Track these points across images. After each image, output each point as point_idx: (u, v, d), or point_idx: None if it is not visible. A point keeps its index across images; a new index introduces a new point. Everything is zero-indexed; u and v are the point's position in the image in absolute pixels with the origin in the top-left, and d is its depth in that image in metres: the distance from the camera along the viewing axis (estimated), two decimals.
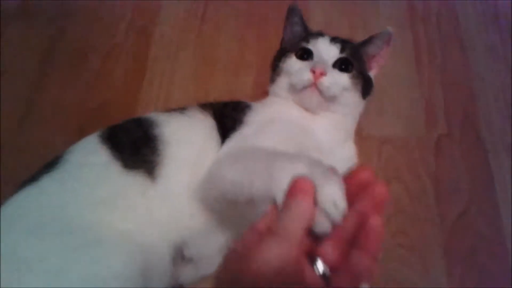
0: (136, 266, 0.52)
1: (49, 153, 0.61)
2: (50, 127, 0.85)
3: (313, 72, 0.64)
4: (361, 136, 0.82)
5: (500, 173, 0.80)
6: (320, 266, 0.36)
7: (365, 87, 0.70)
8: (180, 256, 0.59)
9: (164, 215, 0.58)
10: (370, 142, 0.83)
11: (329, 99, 0.66)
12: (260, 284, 0.33)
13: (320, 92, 0.65)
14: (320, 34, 0.72)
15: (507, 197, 0.77)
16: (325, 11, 0.97)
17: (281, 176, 0.43)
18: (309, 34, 0.72)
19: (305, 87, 0.65)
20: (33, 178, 0.57)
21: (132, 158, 0.59)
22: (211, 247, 0.61)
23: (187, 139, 0.63)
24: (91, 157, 0.60)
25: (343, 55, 0.68)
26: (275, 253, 0.34)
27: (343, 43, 0.69)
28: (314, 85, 0.65)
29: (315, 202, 0.38)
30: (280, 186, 0.41)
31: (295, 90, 0.67)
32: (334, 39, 0.70)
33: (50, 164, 0.59)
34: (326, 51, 0.68)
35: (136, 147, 0.60)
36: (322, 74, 0.64)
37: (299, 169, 0.43)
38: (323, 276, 0.36)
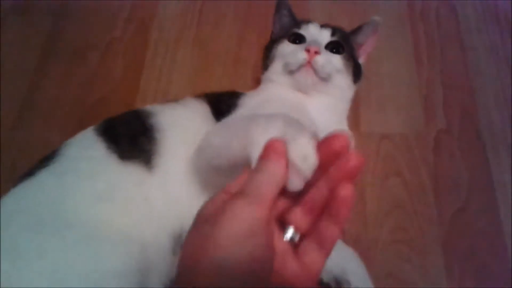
0: (135, 262, 0.52)
1: (48, 150, 0.61)
2: (49, 123, 0.85)
3: (308, 51, 0.66)
4: (360, 133, 0.83)
5: (499, 169, 0.79)
6: (289, 231, 0.36)
7: (356, 71, 0.72)
8: (180, 246, 0.59)
9: (162, 204, 0.58)
10: (369, 139, 0.83)
11: (323, 79, 0.68)
12: (230, 247, 0.32)
13: (315, 71, 0.67)
14: (309, 21, 0.74)
15: (506, 193, 0.77)
16: (324, 11, 0.97)
17: (257, 137, 0.43)
18: (299, 22, 0.75)
19: (300, 67, 0.67)
20: (30, 172, 0.57)
21: (129, 149, 0.59)
22: None
23: (182, 125, 0.63)
24: (87, 150, 0.60)
25: (335, 38, 0.71)
26: (245, 213, 0.33)
27: (333, 28, 0.72)
28: (309, 64, 0.67)
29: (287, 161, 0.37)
30: (255, 148, 0.40)
31: (290, 71, 0.68)
32: (324, 25, 0.73)
33: (46, 159, 0.59)
34: (318, 34, 0.71)
35: (132, 138, 0.60)
36: (317, 53, 0.67)
37: (275, 128, 0.43)
38: (291, 240, 0.36)
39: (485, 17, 0.97)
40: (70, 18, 0.98)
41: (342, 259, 0.65)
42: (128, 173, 0.58)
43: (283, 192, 0.36)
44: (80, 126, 0.64)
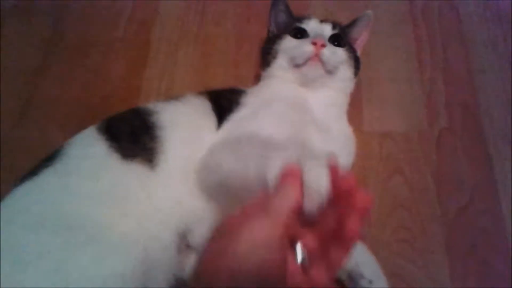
0: (137, 263, 0.52)
1: (49, 150, 0.61)
2: (50, 123, 0.85)
3: (314, 44, 0.68)
4: (362, 131, 0.82)
5: (501, 167, 0.79)
6: (299, 250, 0.40)
7: (356, 64, 0.74)
8: (185, 244, 0.59)
9: (165, 202, 0.57)
10: (372, 137, 0.82)
11: (330, 71, 0.69)
12: (246, 255, 0.36)
13: (323, 63, 0.68)
14: (309, 16, 0.76)
15: (509, 192, 0.77)
16: (326, 9, 0.96)
17: (273, 164, 0.46)
18: (299, 17, 0.76)
19: (307, 60, 0.68)
20: (33, 172, 0.57)
21: (131, 148, 0.59)
22: None
23: (184, 122, 0.63)
24: (89, 150, 0.59)
25: (336, 31, 0.73)
26: (262, 228, 0.37)
27: (333, 23, 0.74)
28: (317, 56, 0.68)
29: (303, 186, 0.41)
30: (272, 173, 0.45)
31: (297, 65, 0.69)
32: (323, 20, 0.75)
33: (49, 158, 0.59)
34: (320, 29, 0.73)
35: (134, 136, 0.60)
36: (323, 45, 0.68)
37: (289, 156, 0.47)
38: (302, 262, 0.40)
39: (486, 15, 0.96)
40: (71, 18, 0.98)
41: (354, 252, 0.65)
42: (131, 172, 0.57)
43: (298, 217, 0.40)
44: (81, 126, 0.64)
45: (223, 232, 0.40)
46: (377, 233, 0.73)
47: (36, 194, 0.55)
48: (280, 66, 0.72)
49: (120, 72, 0.91)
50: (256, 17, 0.95)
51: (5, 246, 0.48)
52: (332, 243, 0.40)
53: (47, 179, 0.56)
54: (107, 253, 0.51)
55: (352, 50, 0.74)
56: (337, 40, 0.72)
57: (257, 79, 0.79)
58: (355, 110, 0.80)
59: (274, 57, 0.72)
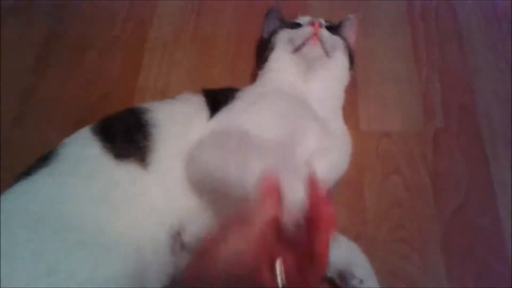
0: (130, 265, 0.52)
1: (47, 149, 0.61)
2: (48, 123, 0.86)
3: (312, 25, 0.71)
4: (359, 130, 0.83)
5: (498, 167, 0.79)
6: (278, 270, 0.40)
7: (350, 58, 0.77)
8: (179, 243, 0.59)
9: (159, 201, 0.57)
10: (369, 137, 0.83)
11: (328, 52, 0.71)
12: (227, 257, 0.39)
13: (321, 42, 0.70)
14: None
15: (505, 191, 0.77)
16: (324, 11, 0.97)
17: (252, 171, 0.48)
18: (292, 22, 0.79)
19: (306, 40, 0.70)
20: (28, 172, 0.57)
21: (125, 147, 0.59)
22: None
23: (177, 119, 0.63)
24: (83, 150, 0.59)
25: (328, 24, 0.76)
26: (241, 235, 0.39)
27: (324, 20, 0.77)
28: (315, 35, 0.70)
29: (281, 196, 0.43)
30: (250, 180, 0.47)
31: (296, 48, 0.71)
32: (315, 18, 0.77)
33: (43, 158, 0.58)
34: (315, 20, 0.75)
35: (128, 135, 0.60)
36: (321, 26, 0.72)
37: (269, 164, 0.48)
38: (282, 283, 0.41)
39: (484, 16, 0.97)
40: (69, 18, 0.99)
41: (346, 253, 0.65)
42: (124, 172, 0.57)
43: (277, 234, 0.41)
44: (80, 125, 0.64)
45: (201, 253, 0.42)
46: (374, 232, 0.73)
47: (29, 195, 0.54)
48: (278, 57, 0.73)
49: (118, 71, 0.91)
50: (253, 17, 0.95)
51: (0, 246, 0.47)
52: (308, 261, 0.40)
53: (41, 179, 0.56)
54: (101, 254, 0.51)
55: (346, 42, 0.77)
56: (330, 30, 0.75)
57: (254, 79, 0.80)
58: (352, 109, 0.81)
59: (273, 48, 0.75)
